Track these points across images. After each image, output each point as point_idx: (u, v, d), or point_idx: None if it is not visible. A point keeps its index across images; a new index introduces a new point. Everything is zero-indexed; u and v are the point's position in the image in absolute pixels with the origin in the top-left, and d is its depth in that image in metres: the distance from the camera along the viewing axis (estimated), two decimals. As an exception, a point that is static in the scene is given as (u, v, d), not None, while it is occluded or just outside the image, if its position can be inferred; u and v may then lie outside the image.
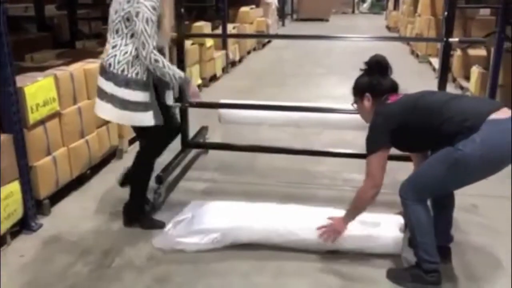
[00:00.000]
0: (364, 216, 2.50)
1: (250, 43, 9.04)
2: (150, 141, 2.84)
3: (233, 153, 3.92)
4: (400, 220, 2.59)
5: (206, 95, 6.05)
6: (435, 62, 7.00)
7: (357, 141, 4.09)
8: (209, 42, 6.46)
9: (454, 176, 2.17)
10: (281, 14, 12.99)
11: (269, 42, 10.16)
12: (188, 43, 5.58)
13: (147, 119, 2.64)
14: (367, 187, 2.31)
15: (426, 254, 2.27)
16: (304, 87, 6.35)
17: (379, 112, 2.36)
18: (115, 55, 2.57)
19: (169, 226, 2.74)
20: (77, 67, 3.43)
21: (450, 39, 3.11)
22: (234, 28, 7.85)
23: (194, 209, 2.80)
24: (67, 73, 3.27)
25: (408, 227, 2.35)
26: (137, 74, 2.57)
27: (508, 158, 2.12)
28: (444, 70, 3.27)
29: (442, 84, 3.25)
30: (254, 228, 2.63)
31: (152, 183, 3.16)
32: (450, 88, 5.51)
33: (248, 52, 8.91)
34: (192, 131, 3.87)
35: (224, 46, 7.31)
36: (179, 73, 2.62)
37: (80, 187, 3.42)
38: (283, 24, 13.16)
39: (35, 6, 6.14)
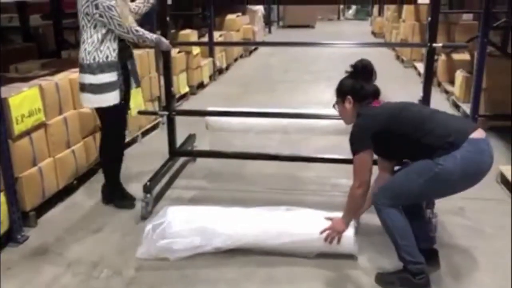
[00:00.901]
0: (319, 217, 2.60)
1: (237, 50, 9.06)
2: (109, 123, 3.11)
3: (221, 161, 3.91)
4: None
5: (194, 103, 6.05)
6: (420, 66, 7.07)
7: (345, 146, 4.12)
8: (196, 50, 6.46)
9: (432, 189, 2.25)
10: (268, 21, 13.04)
11: (256, 49, 10.19)
12: (174, 51, 5.58)
13: (117, 96, 2.96)
14: (354, 187, 2.34)
15: (409, 256, 2.29)
16: (292, 94, 6.38)
17: (363, 113, 2.38)
18: (85, 48, 2.87)
19: (148, 227, 2.69)
20: (62, 77, 3.42)
21: (434, 44, 3.14)
22: (220, 35, 7.86)
23: (170, 214, 2.75)
24: (52, 83, 3.25)
25: (386, 232, 2.36)
26: (107, 57, 2.87)
27: (482, 175, 2.23)
28: (429, 75, 3.30)
29: (427, 88, 3.28)
30: (234, 233, 2.62)
31: (140, 192, 3.17)
32: (435, 92, 5.58)
33: (235, 60, 8.93)
34: (179, 139, 3.86)
35: (211, 54, 7.32)
36: (153, 35, 3.07)
37: (67, 198, 3.39)
38: (269, 31, 13.22)
39: (20, 16, 6.09)
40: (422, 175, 2.20)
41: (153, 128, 4.86)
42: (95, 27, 2.83)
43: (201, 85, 6.82)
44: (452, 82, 5.93)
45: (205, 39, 7.18)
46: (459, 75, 5.49)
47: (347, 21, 17.07)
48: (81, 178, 3.59)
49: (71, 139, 3.42)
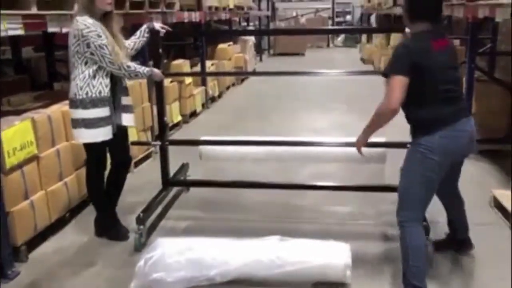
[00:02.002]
0: (313, 246, 2.59)
1: (229, 78, 9.15)
2: (95, 157, 3.15)
3: (215, 189, 3.89)
4: (347, 247, 2.60)
5: (186, 131, 6.05)
6: (410, 92, 7.16)
7: (339, 173, 4.13)
8: (188, 79, 6.51)
9: (429, 170, 2.32)
10: (258, 50, 13.22)
11: (247, 77, 10.29)
12: (167, 81, 5.61)
13: (109, 132, 2.97)
14: (382, 105, 2.33)
15: (414, 279, 2.29)
16: (284, 121, 6.40)
17: (414, 38, 2.39)
18: (77, 84, 2.89)
19: (141, 260, 2.65)
20: (55, 109, 3.41)
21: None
22: (212, 64, 7.94)
23: (162, 246, 2.72)
24: (45, 115, 3.25)
25: (401, 251, 2.40)
26: (100, 92, 2.90)
27: (461, 154, 2.46)
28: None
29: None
30: (227, 264, 2.58)
31: (133, 223, 3.14)
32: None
33: (227, 88, 9.00)
34: (172, 168, 3.84)
35: (203, 83, 7.38)
36: (145, 68, 3.10)
37: (59, 231, 3.34)
38: (260, 59, 13.39)
39: (12, 49, 6.12)
40: (415, 164, 2.34)
41: (146, 157, 4.84)
42: (86, 63, 2.88)
43: (194, 114, 6.85)
44: (442, 106, 6.00)
45: (197, 68, 7.25)
46: (449, 100, 5.55)
47: (336, 48, 17.34)
48: (74, 210, 3.55)
49: (63, 171, 3.40)
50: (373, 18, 14.63)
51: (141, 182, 4.19)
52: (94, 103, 2.88)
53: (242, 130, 5.84)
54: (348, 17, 19.91)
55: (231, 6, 8.99)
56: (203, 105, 7.27)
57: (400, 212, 2.40)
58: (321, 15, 18.80)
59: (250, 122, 6.45)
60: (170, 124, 5.69)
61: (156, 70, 3.21)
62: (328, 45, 17.88)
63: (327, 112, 6.87)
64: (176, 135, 5.82)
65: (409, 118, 2.43)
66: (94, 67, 2.88)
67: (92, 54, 2.83)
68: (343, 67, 11.11)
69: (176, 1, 5.88)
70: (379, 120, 2.39)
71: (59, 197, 3.33)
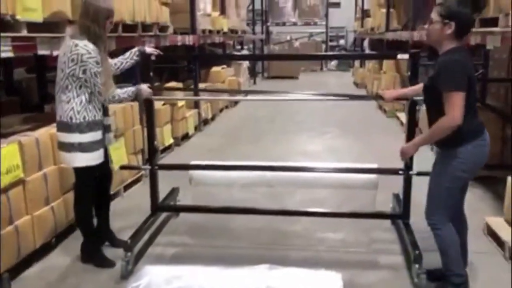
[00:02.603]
0: (303, 275, 2.53)
1: (223, 101, 9.15)
2: (86, 181, 3.09)
3: (205, 215, 3.83)
4: (338, 276, 2.54)
5: (178, 154, 6.00)
6: (402, 116, 7.19)
7: (331, 199, 4.09)
8: (181, 101, 6.49)
9: (461, 180, 2.56)
10: (252, 73, 13.29)
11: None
12: (159, 103, 5.59)
13: (102, 154, 3.00)
14: (445, 120, 2.39)
15: (457, 269, 2.57)
16: (277, 144, 6.38)
17: (464, 52, 2.44)
18: (72, 108, 2.87)
19: None
20: (43, 132, 3.36)
21: (415, 97, 3.19)
22: (206, 87, 7.94)
23: (150, 274, 2.64)
24: (32, 138, 3.19)
25: (440, 250, 2.62)
26: (95, 116, 2.92)
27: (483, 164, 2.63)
28: (411, 127, 3.33)
29: (410, 139, 3.29)
30: None
31: (120, 250, 3.06)
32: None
33: (221, 110, 8.99)
34: (163, 192, 3.78)
35: (196, 105, 7.37)
36: (131, 90, 3.06)
37: (44, 257, 3.25)
38: (254, 82, 13.44)
39: (4, 70, 6.09)
40: (448, 173, 2.51)
41: (137, 181, 4.77)
42: (80, 87, 2.87)
43: (186, 136, 6.81)
44: (434, 131, 5.99)
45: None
46: (441, 125, 5.55)
47: (329, 72, 17.47)
48: (60, 235, 3.47)
49: (50, 196, 3.32)
50: (366, 43, 14.79)
51: (130, 206, 4.13)
52: (91, 127, 2.90)
53: (235, 153, 5.82)
54: (342, 42, 20.11)
55: (225, 29, 9.06)
56: (195, 128, 7.24)
57: (432, 217, 2.59)
58: (315, 39, 19.00)
59: (243, 145, 6.42)
60: (162, 147, 5.65)
61: (143, 86, 3.16)
62: (321, 69, 18.02)
63: (319, 136, 6.86)
64: (167, 158, 5.76)
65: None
66: (90, 91, 2.88)
67: (86, 81, 2.84)
68: (336, 91, 11.18)
69: (169, 25, 5.90)
70: (440, 134, 2.48)
71: (45, 222, 3.25)
